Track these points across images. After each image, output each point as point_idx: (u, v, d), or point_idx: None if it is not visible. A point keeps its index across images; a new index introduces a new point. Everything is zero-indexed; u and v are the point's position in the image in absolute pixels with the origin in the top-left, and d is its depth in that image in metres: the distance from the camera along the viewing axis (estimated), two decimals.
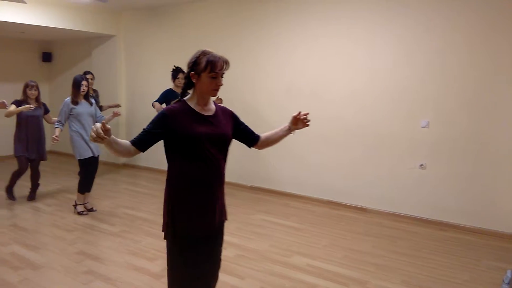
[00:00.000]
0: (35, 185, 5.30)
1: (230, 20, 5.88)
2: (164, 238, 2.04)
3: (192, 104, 2.00)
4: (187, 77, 1.99)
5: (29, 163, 5.14)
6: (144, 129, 1.95)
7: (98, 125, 1.68)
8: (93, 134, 1.67)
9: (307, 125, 2.23)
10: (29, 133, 5.04)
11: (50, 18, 6.16)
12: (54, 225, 4.34)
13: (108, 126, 1.71)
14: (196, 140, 1.92)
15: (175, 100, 2.06)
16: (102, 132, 1.68)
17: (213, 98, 2.12)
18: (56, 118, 4.67)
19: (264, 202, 5.28)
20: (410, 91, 4.58)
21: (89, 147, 4.58)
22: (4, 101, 4.57)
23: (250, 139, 2.24)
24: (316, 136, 5.22)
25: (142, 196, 5.53)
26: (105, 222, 4.46)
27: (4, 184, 6.07)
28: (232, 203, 5.18)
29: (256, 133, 2.26)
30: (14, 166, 5.16)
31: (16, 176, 5.15)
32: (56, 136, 4.47)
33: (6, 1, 5.29)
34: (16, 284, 3.06)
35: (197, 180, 1.96)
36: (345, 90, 5.01)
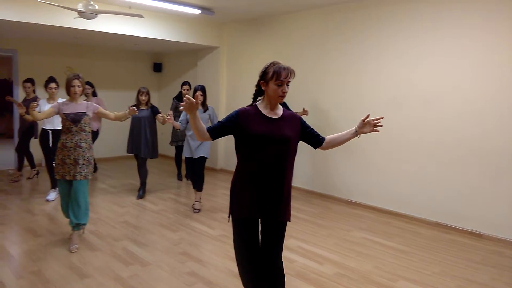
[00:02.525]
0: (142, 182, 5.76)
1: (334, 31, 5.74)
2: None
3: (261, 108, 2.31)
4: (258, 85, 2.31)
5: (137, 160, 5.70)
6: (219, 121, 2.32)
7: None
8: (183, 104, 2.11)
9: (376, 131, 2.42)
10: (135, 132, 5.55)
11: (162, 31, 6.66)
12: (160, 224, 4.60)
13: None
14: (258, 138, 2.21)
15: (249, 104, 2.36)
16: (194, 100, 2.09)
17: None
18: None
19: (363, 219, 5.01)
20: None
21: (190, 150, 5.00)
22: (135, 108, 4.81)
23: (315, 141, 2.46)
24: (425, 151, 4.82)
25: None
26: (206, 225, 4.61)
27: (116, 181, 6.67)
28: (328, 216, 5.02)
29: (321, 135, 2.48)
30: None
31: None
32: (170, 117, 4.65)
33: (124, 16, 5.82)
34: (126, 279, 3.27)
35: (255, 173, 2.24)
36: (461, 101, 4.54)
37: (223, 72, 7.67)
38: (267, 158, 2.23)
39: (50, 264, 3.48)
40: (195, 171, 5.13)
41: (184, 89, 6.44)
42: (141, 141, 5.53)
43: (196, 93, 5.01)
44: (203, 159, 5.07)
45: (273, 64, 2.24)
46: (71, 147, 3.80)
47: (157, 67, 9.40)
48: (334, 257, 3.79)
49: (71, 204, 3.89)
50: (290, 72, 2.22)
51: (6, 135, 11.01)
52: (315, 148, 2.51)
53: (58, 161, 3.83)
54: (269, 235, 2.36)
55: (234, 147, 2.34)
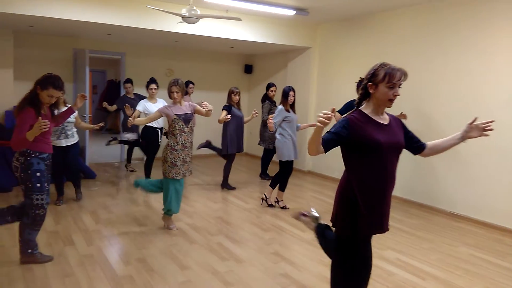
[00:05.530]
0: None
1: (435, 27, 5.32)
2: (337, 234, 2.32)
3: (369, 113, 2.16)
4: (364, 88, 2.16)
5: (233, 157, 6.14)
6: (328, 131, 2.10)
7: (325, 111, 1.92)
8: (322, 116, 1.89)
9: (486, 135, 2.21)
10: (238, 132, 5.96)
11: (257, 33, 6.78)
12: (252, 223, 4.67)
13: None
14: (376, 147, 2.07)
15: (352, 110, 2.21)
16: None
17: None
18: (247, 118, 5.94)
19: (469, 234, 4.56)
20: None
21: (295, 151, 5.08)
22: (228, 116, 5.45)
23: (416, 146, 2.31)
24: None
25: (330, 206, 5.48)
26: (296, 227, 4.57)
27: (208, 178, 6.95)
28: (429, 229, 4.67)
29: (422, 141, 2.33)
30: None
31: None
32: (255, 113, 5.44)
33: (223, 19, 6.00)
34: (223, 274, 3.35)
35: (374, 184, 2.12)
36: None
37: (313, 73, 7.57)
38: (386, 167, 2.12)
39: (153, 253, 3.70)
40: (290, 172, 5.26)
41: (272, 91, 6.60)
42: (236, 138, 5.95)
43: (290, 94, 5.04)
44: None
45: (383, 65, 2.10)
46: (189, 147, 4.22)
47: (248, 69, 9.61)
48: (438, 273, 3.49)
49: (180, 197, 4.31)
50: (403, 74, 2.10)
51: (113, 130, 12.12)
52: (414, 154, 2.36)
53: (180, 162, 4.16)
54: (370, 246, 2.37)
55: (342, 157, 2.23)
